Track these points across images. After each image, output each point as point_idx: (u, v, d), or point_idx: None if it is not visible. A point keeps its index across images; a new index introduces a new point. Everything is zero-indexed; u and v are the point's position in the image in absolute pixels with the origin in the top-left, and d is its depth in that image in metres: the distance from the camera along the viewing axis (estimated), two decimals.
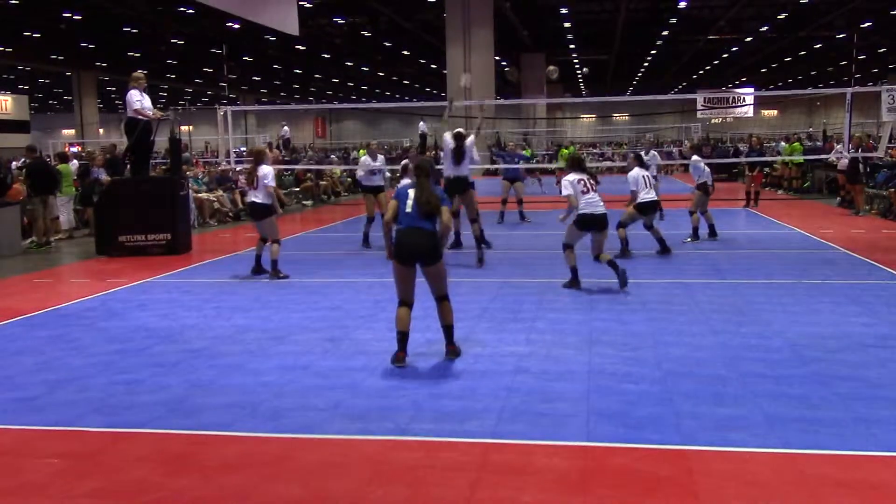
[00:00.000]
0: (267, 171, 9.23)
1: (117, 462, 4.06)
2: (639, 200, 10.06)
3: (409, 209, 5.63)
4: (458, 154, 10.16)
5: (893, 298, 7.53)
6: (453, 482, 3.72)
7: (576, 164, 8.57)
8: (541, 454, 4.01)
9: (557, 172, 23.94)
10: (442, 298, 5.75)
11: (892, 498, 3.52)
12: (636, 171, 10.16)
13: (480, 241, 10.20)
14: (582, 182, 8.17)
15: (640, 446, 4.07)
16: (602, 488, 3.63)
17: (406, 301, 5.68)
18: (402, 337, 5.65)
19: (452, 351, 5.81)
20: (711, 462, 3.89)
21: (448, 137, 10.37)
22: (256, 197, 9.22)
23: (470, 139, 10.45)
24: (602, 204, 8.16)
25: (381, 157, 12.69)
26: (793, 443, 4.07)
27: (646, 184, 10.09)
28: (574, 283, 8.34)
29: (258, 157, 9.41)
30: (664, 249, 10.38)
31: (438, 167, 10.05)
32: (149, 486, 3.76)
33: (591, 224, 8.15)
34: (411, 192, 5.68)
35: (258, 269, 9.45)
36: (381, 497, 3.60)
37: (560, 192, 8.75)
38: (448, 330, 5.81)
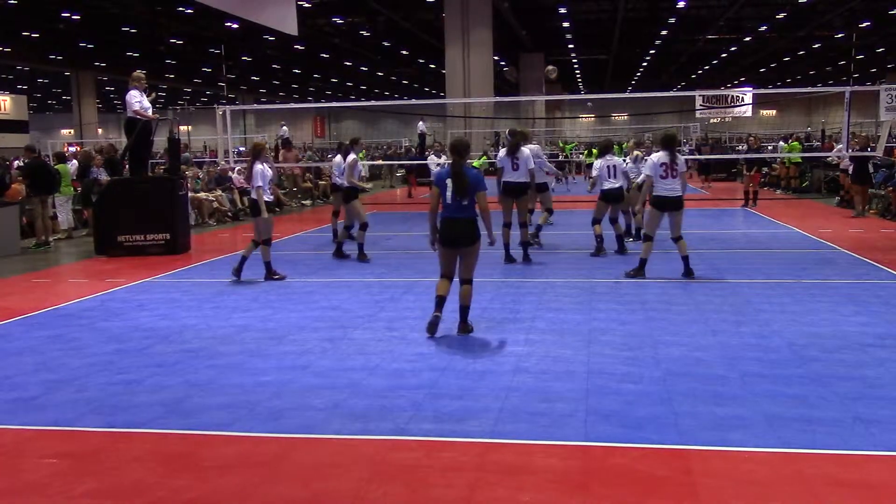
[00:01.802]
0: (257, 170, 8.87)
1: (116, 462, 4.05)
2: (603, 188, 10.36)
3: (448, 199, 6.21)
4: (514, 158, 9.69)
5: (892, 298, 7.54)
6: (452, 482, 3.72)
7: (666, 144, 8.74)
8: (540, 454, 4.01)
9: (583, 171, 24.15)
10: (466, 281, 6.36)
11: (890, 497, 3.52)
12: (600, 161, 10.50)
13: (525, 244, 10.06)
14: (664, 166, 8.47)
15: (639, 446, 4.07)
16: (601, 488, 3.63)
17: (447, 274, 6.36)
18: (440, 300, 6.29)
19: (464, 329, 6.39)
20: (710, 462, 3.89)
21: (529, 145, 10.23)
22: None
23: (532, 146, 10.39)
24: (678, 187, 8.51)
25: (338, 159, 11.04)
26: (791, 442, 4.08)
27: (609, 173, 10.34)
28: (640, 271, 8.70)
29: (256, 153, 9.03)
30: (621, 249, 10.48)
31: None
32: (147, 487, 3.76)
33: (665, 205, 8.53)
34: (449, 183, 6.19)
35: (239, 270, 9.03)
36: (380, 497, 3.60)
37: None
38: (464, 310, 6.41)
